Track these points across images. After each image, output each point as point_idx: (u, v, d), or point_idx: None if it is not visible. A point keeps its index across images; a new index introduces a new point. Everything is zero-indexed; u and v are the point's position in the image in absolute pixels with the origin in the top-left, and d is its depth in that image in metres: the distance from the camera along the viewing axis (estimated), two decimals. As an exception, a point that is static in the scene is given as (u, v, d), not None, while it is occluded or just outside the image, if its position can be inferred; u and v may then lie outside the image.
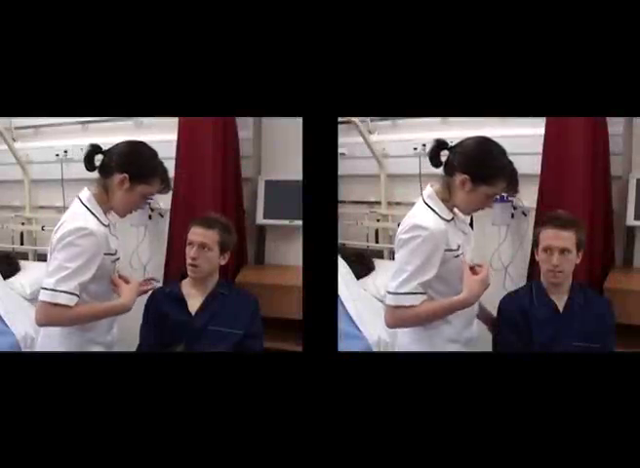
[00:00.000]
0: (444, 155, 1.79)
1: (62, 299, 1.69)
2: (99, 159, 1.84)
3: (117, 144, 1.88)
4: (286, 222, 2.80)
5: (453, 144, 1.79)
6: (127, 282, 1.86)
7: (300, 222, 2.67)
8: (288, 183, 2.76)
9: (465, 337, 1.82)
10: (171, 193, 2.70)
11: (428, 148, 1.82)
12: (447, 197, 1.77)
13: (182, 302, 2.12)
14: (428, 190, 1.79)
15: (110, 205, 1.84)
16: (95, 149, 1.84)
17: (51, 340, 1.82)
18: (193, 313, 2.10)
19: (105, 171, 1.83)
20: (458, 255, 1.74)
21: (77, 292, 1.71)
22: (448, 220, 1.75)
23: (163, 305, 2.12)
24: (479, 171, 1.71)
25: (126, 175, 1.80)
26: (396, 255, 1.75)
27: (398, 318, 1.73)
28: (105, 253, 1.78)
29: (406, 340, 1.84)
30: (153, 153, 1.89)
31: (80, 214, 1.78)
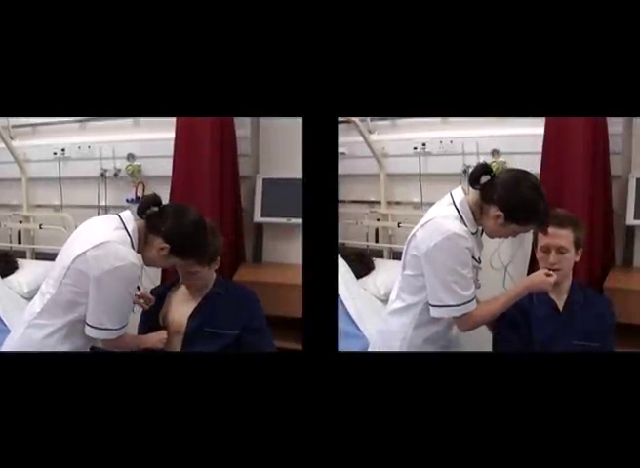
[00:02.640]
0: (485, 178, 1.79)
1: (123, 332, 1.80)
2: (154, 209, 1.81)
3: (176, 208, 1.87)
4: (284, 221, 2.80)
5: (496, 172, 1.82)
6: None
7: (297, 221, 2.66)
8: (286, 182, 2.77)
9: (446, 339, 1.86)
10: (168, 193, 2.71)
11: (473, 169, 1.83)
12: (477, 215, 1.79)
13: None
14: (460, 196, 1.79)
15: (141, 252, 1.82)
16: (151, 201, 1.82)
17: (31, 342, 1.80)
18: (188, 315, 2.07)
19: (152, 227, 1.80)
20: (477, 268, 1.80)
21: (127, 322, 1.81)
22: (473, 233, 1.78)
23: (157, 305, 2.11)
24: (515, 213, 1.75)
25: (168, 247, 1.79)
26: (436, 261, 1.75)
27: (471, 323, 1.80)
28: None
29: (387, 336, 1.88)
30: (204, 234, 1.86)
31: (127, 244, 1.75)
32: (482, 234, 1.88)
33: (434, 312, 1.78)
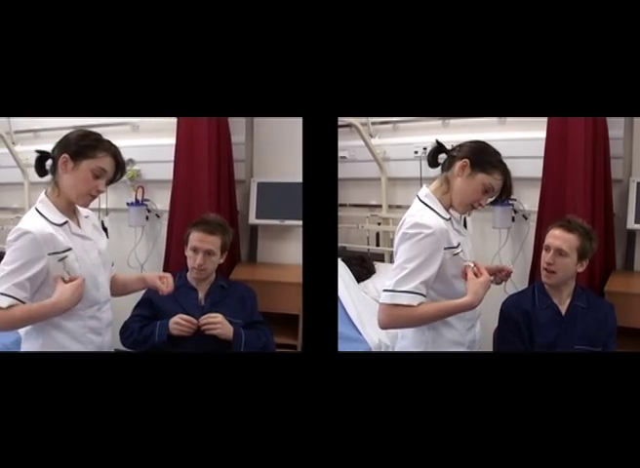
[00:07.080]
0: (441, 158, 1.81)
1: (4, 302, 1.63)
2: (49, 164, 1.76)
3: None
4: (277, 222, 2.90)
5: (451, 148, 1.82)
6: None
7: (290, 222, 2.84)
8: (279, 185, 2.88)
9: (469, 340, 1.82)
10: (167, 195, 2.81)
11: (430, 148, 1.84)
12: (445, 189, 1.77)
13: (195, 292, 2.26)
14: (424, 190, 1.79)
15: (64, 195, 1.73)
16: (43, 158, 1.76)
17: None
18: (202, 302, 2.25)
19: (52, 165, 1.74)
20: (457, 253, 1.73)
21: (14, 295, 1.63)
22: (446, 219, 1.74)
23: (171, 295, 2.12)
24: (479, 156, 1.74)
25: (66, 155, 1.70)
26: (397, 251, 1.73)
27: (394, 317, 1.67)
28: (50, 253, 1.67)
29: (407, 343, 1.83)
30: (96, 134, 1.78)
31: (33, 214, 1.72)
32: (464, 225, 1.87)
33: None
